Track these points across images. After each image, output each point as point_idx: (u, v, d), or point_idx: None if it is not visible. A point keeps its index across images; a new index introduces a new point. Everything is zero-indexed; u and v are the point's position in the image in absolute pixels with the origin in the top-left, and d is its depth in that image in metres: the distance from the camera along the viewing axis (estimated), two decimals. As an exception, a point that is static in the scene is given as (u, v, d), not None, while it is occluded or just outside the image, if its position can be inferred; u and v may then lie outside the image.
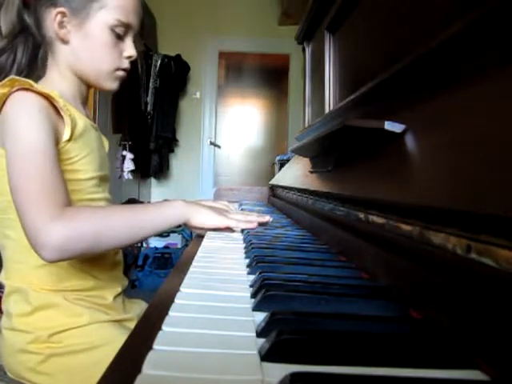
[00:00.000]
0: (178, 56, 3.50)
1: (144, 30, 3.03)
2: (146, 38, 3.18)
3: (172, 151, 3.64)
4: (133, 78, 3.05)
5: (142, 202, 3.38)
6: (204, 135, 3.79)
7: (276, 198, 1.53)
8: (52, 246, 0.58)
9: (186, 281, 0.40)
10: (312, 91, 1.55)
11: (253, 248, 0.56)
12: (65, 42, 0.74)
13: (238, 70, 3.95)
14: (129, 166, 2.74)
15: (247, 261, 0.52)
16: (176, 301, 0.34)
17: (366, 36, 0.89)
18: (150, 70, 3.27)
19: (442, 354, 0.26)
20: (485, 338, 0.25)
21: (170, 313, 0.31)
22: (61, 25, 0.72)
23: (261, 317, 0.31)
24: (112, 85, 0.79)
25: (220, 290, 0.39)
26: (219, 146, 3.83)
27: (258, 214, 0.82)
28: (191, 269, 0.45)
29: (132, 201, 3.18)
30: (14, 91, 0.66)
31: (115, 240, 0.64)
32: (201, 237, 0.78)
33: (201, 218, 0.70)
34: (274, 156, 3.52)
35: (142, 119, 3.21)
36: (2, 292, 0.77)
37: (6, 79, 0.66)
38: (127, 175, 2.73)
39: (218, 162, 3.87)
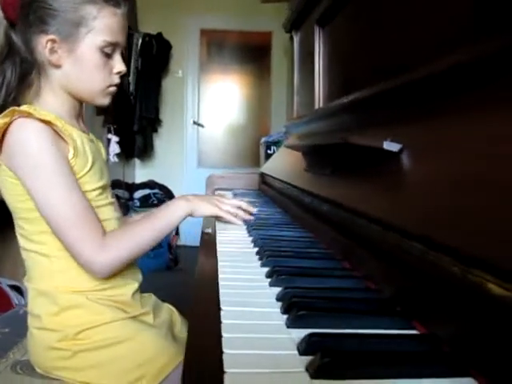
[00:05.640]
0: (160, 34, 3.45)
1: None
2: (126, 16, 3.11)
3: (155, 131, 3.64)
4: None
5: (126, 183, 3.39)
6: (187, 114, 3.78)
7: (266, 185, 1.58)
8: (98, 272, 0.77)
9: (222, 298, 0.46)
10: (301, 81, 1.60)
11: (268, 257, 0.62)
12: (57, 66, 0.78)
13: (220, 47, 3.92)
14: (115, 149, 2.74)
15: (264, 269, 0.58)
16: (223, 321, 0.40)
17: (357, 32, 0.94)
18: (131, 50, 3.22)
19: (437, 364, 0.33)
20: (478, 349, 0.33)
21: (224, 334, 0.37)
22: (52, 51, 0.76)
23: (297, 334, 0.38)
24: (104, 100, 0.84)
25: (249, 306, 0.45)
26: (202, 126, 3.84)
27: (247, 203, 0.94)
28: (221, 282, 0.51)
29: (117, 182, 3.19)
30: (15, 119, 0.71)
31: (145, 250, 0.81)
32: (206, 234, 0.84)
33: (201, 210, 0.84)
34: (258, 134, 3.56)
35: (125, 100, 3.18)
36: (22, 294, 0.82)
37: (7, 110, 0.71)
38: (113, 158, 2.73)
39: (202, 142, 3.88)
